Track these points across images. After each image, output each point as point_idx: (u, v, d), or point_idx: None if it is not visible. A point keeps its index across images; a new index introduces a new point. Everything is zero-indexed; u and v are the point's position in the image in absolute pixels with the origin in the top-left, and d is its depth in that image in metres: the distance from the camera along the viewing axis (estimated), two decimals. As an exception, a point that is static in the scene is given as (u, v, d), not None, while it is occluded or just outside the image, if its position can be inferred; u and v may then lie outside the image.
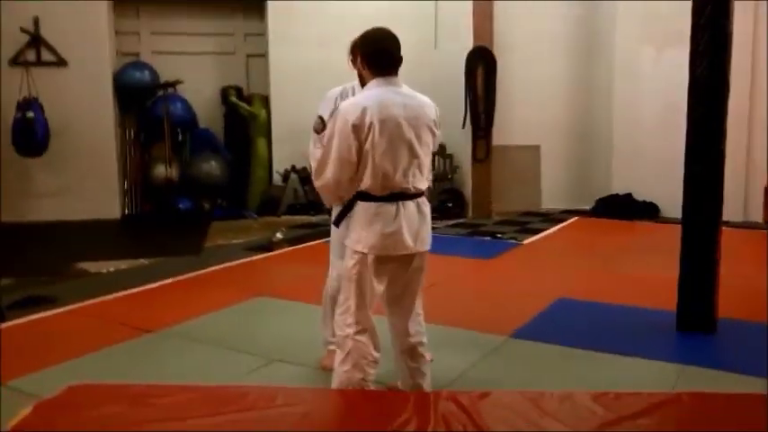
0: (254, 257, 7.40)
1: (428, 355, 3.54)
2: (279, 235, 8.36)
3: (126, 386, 3.42)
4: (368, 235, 3.21)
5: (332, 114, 3.59)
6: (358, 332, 3.24)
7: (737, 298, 5.23)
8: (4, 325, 5.01)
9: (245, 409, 2.98)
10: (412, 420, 2.80)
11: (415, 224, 3.25)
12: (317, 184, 3.33)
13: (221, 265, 6.93)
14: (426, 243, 3.35)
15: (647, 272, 6.50)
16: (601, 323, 5.03)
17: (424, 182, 3.31)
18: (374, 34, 3.30)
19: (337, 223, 3.49)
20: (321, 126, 3.81)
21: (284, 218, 9.77)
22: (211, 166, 10.10)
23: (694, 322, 4.78)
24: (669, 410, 2.91)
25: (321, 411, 3.08)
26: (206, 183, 10.08)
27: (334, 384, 3.27)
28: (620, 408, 2.87)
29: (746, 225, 8.94)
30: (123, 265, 7.03)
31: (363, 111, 3.11)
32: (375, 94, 3.19)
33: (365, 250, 3.21)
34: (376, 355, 3.29)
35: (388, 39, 3.28)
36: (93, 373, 3.87)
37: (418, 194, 3.29)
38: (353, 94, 3.77)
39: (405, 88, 3.28)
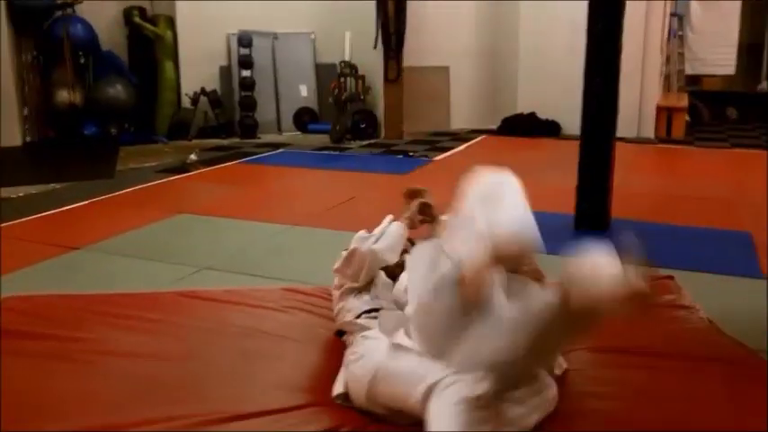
0: (170, 178, 7.37)
1: None
2: (193, 157, 8.29)
3: (64, 296, 3.48)
4: None
5: None
6: None
7: (628, 201, 5.74)
8: None
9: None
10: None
11: None
12: None
13: (137, 187, 6.88)
14: None
15: (550, 182, 6.83)
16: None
17: None
18: None
19: None
20: None
21: (195, 141, 9.67)
22: (117, 90, 9.85)
23: (590, 222, 5.24)
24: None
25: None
26: (112, 107, 9.84)
27: None
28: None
29: (640, 140, 9.49)
30: (33, 189, 6.89)
31: None
32: None
33: None
34: None
35: None
36: (26, 287, 3.83)
37: None
38: None
39: None
